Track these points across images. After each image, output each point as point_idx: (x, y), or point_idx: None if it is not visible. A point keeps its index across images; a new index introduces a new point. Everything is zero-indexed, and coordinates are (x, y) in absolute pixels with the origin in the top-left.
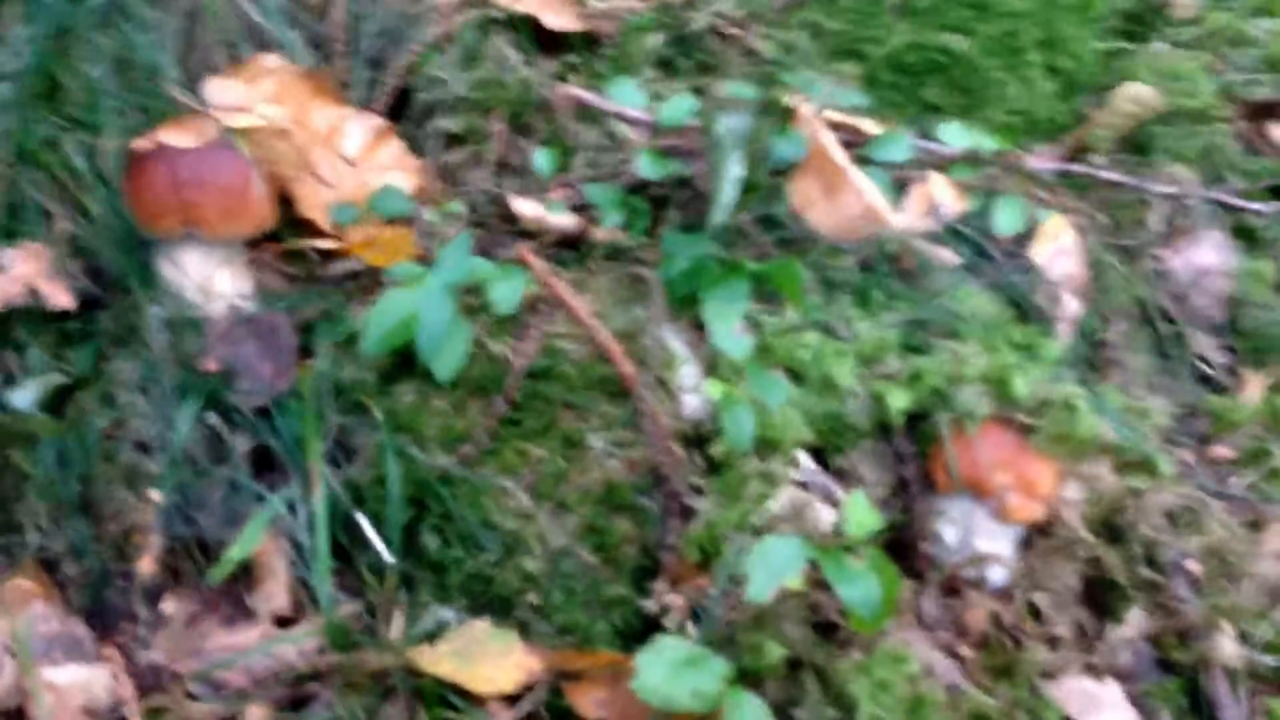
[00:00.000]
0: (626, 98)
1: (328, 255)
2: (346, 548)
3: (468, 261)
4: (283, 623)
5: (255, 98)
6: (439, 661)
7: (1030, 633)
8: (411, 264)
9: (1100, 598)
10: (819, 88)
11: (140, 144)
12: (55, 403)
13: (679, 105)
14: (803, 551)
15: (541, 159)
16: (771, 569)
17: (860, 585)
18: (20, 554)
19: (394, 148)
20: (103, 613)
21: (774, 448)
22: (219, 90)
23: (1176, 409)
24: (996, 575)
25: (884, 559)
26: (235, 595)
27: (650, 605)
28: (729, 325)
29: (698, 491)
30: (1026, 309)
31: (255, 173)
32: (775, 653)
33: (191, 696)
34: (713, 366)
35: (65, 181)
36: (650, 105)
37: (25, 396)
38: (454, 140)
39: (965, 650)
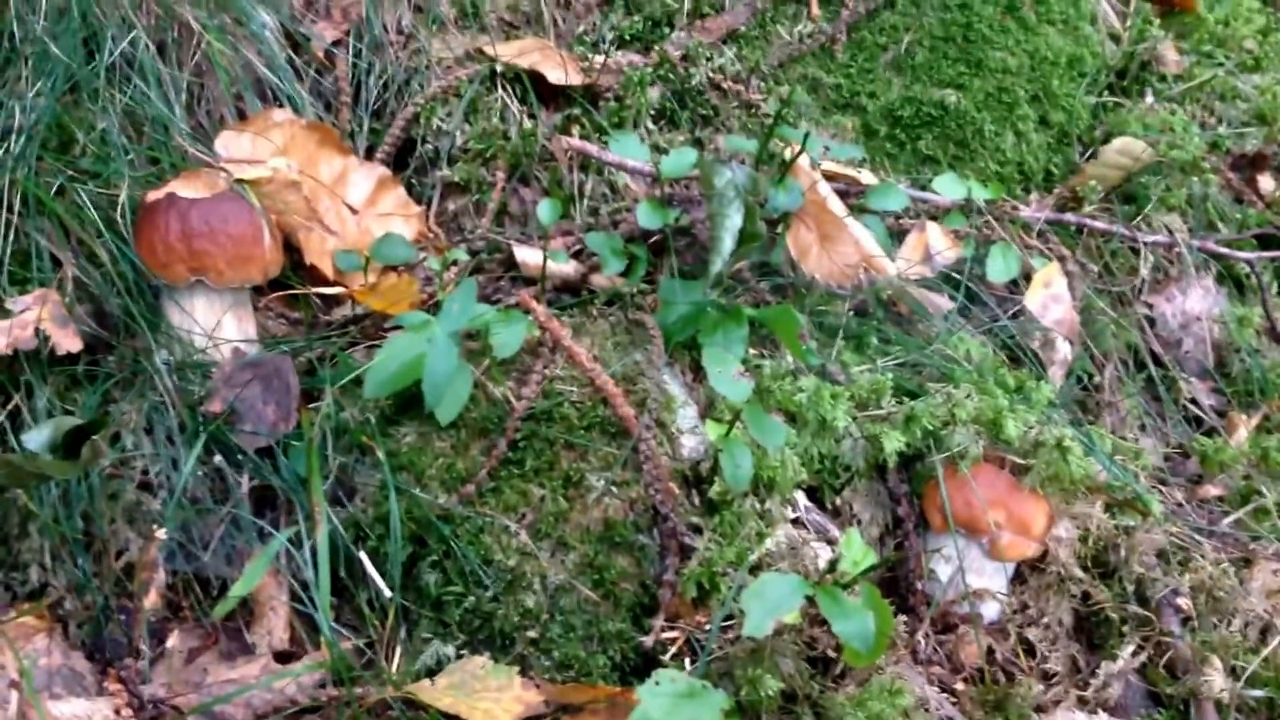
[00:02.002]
0: (629, 151)
1: (331, 300)
2: (346, 584)
3: (473, 309)
4: (282, 658)
5: (264, 150)
6: (439, 695)
7: (1024, 667)
8: (419, 311)
9: (1092, 633)
10: (816, 140)
11: (152, 194)
12: (67, 444)
13: (680, 158)
14: (799, 588)
15: (544, 209)
16: (769, 605)
17: (855, 621)
18: (22, 590)
19: (396, 196)
20: (103, 647)
21: (771, 487)
22: (229, 143)
23: (1167, 450)
24: (990, 611)
25: (878, 595)
26: (234, 630)
27: (648, 640)
28: (728, 369)
29: (696, 530)
30: (1019, 353)
31: (265, 223)
32: (772, 686)
33: None
34: (710, 408)
35: (74, 230)
36: (652, 158)
37: (38, 438)
38: (455, 189)
39: (959, 685)
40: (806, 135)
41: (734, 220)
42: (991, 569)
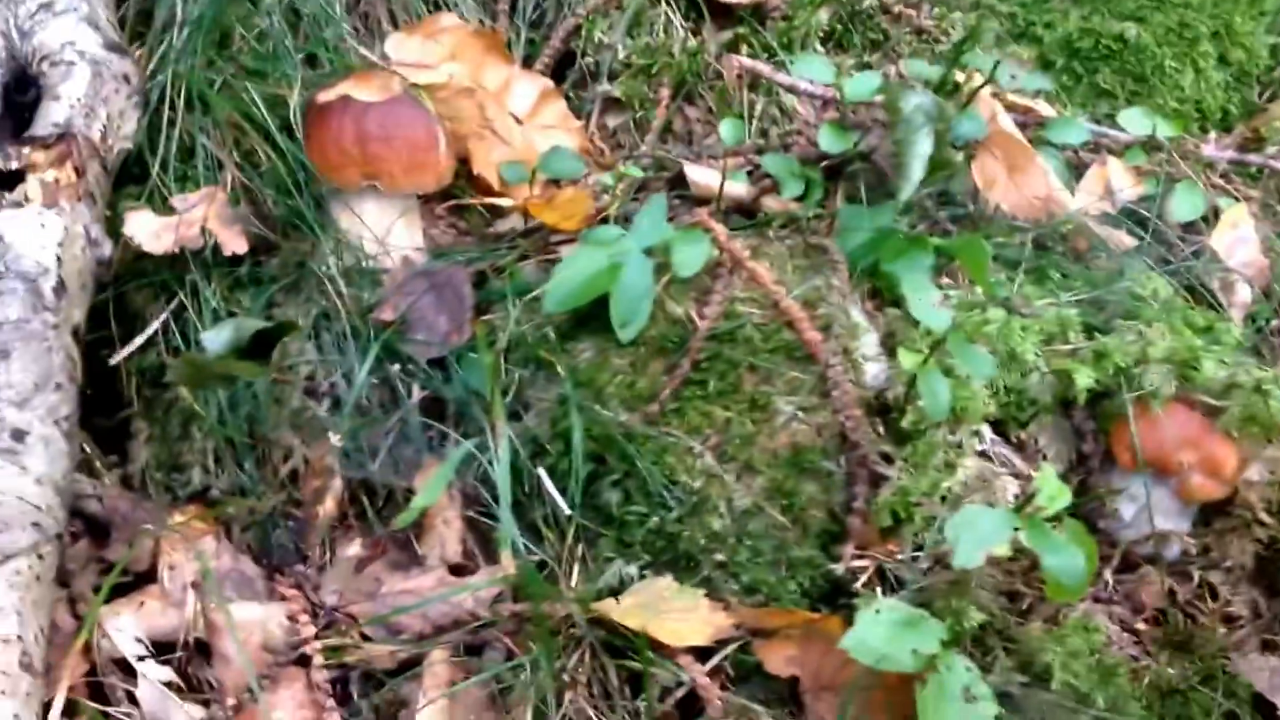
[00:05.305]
0: (814, 72)
1: (495, 211)
2: (521, 500)
3: (663, 226)
4: (454, 571)
5: (433, 54)
6: (626, 614)
7: (1206, 610)
8: (609, 227)
9: (1274, 578)
10: (1003, 69)
11: (323, 96)
12: (251, 346)
13: (864, 82)
14: (1008, 521)
15: (726, 128)
16: (979, 537)
17: (1065, 555)
18: (184, 492)
19: (558, 108)
20: (270, 553)
21: (961, 419)
22: (399, 45)
23: None
24: (1172, 552)
25: (1084, 531)
26: (402, 541)
27: (838, 568)
28: (929, 298)
29: (886, 458)
30: (1198, 294)
31: (440, 129)
32: (976, 618)
33: (366, 638)
34: (889, 338)
35: (237, 128)
36: (835, 81)
37: (217, 339)
38: (615, 105)
39: (1140, 625)
40: (996, 64)
41: (923, 147)
42: (1176, 510)
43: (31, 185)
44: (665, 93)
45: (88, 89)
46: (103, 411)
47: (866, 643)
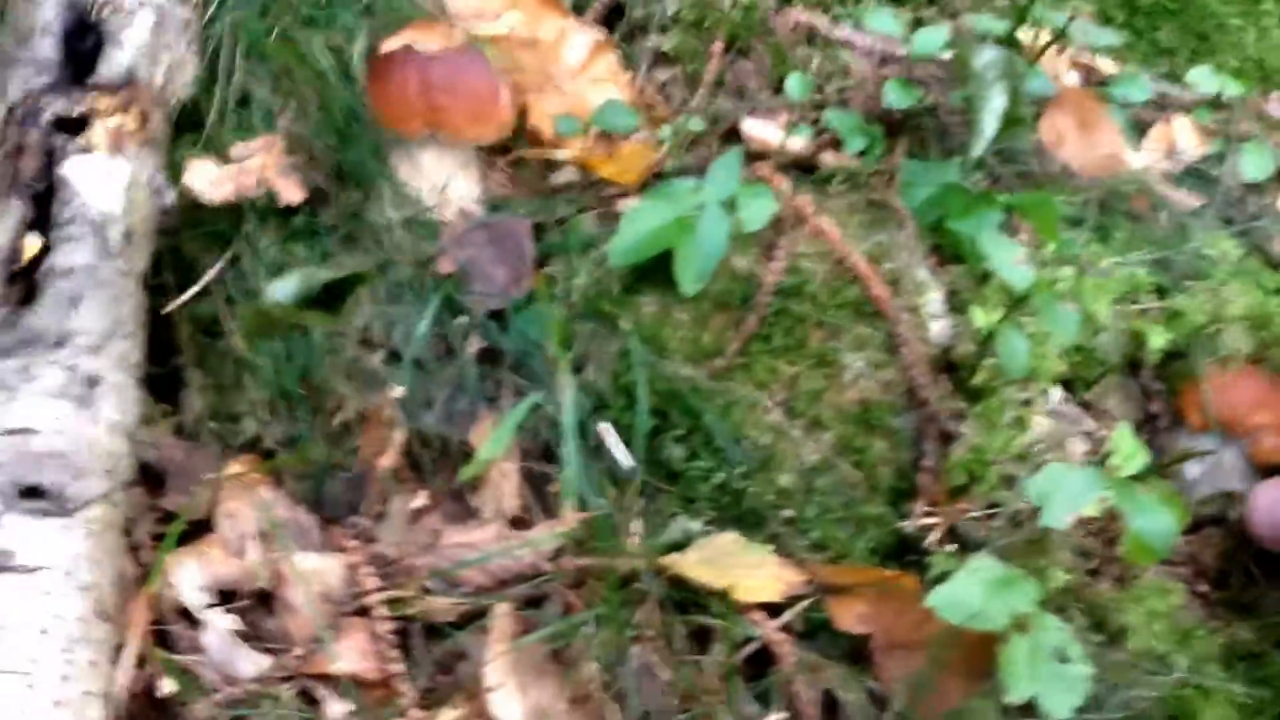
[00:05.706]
0: (884, 26)
1: (551, 164)
2: (582, 455)
3: (736, 180)
4: (513, 524)
5: (493, 5)
6: (696, 568)
7: (1266, 572)
8: (680, 180)
9: None
10: (1070, 22)
11: (388, 45)
12: (320, 296)
13: (932, 37)
14: (1097, 481)
15: (794, 83)
16: (1068, 497)
17: (1156, 517)
18: (235, 442)
19: (609, 61)
20: (323, 503)
21: (1031, 378)
22: None
23: None
24: (1236, 514)
25: (1174, 492)
26: (456, 493)
27: (907, 525)
28: (1011, 255)
29: (957, 416)
30: (1264, 256)
31: (502, 80)
32: (1059, 579)
33: (426, 591)
34: (956, 294)
35: (292, 77)
36: (904, 36)
37: (285, 289)
38: (665, 58)
39: (1203, 587)
40: (1070, 19)
41: (997, 102)
42: (1243, 471)
43: (97, 132)
44: (717, 47)
45: (150, 35)
46: (155, 359)
47: (959, 600)
